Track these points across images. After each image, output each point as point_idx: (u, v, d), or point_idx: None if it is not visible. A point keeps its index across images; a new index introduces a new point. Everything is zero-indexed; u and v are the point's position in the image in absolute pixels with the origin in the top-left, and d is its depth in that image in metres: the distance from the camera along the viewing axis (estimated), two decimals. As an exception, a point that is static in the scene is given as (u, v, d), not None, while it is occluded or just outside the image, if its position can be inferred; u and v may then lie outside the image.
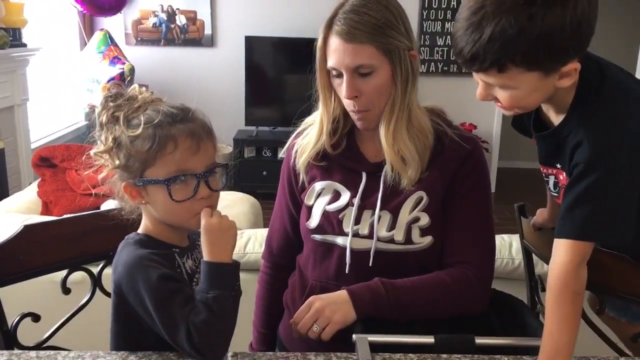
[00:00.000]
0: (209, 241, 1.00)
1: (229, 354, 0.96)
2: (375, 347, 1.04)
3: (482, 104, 5.11)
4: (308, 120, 1.34)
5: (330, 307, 1.11)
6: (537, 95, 1.03)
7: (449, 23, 5.04)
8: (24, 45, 3.56)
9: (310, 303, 1.13)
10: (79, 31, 4.77)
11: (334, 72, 1.20)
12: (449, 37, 5.06)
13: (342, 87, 1.19)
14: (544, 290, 1.48)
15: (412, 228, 1.22)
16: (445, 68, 5.12)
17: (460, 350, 1.05)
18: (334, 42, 1.17)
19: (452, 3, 5.03)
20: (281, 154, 1.39)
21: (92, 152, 1.07)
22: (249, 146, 4.81)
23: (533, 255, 1.52)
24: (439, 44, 5.07)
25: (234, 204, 2.73)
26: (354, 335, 1.06)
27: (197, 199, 1.04)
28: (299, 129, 1.35)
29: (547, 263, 1.44)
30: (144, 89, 1.10)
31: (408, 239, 1.22)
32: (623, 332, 1.39)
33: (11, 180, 3.56)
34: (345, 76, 1.18)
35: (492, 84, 1.03)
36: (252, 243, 1.97)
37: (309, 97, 1.30)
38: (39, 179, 2.75)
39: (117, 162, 1.05)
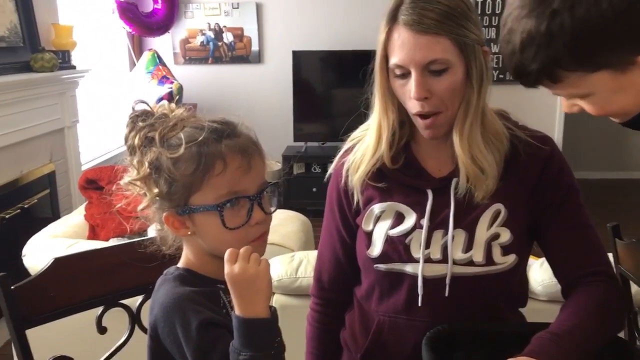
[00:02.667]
0: (235, 293, 0.84)
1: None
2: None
3: (539, 111, 4.87)
4: (356, 135, 1.19)
5: None
6: (624, 96, 0.85)
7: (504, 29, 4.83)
8: (73, 67, 3.57)
9: None
10: (128, 52, 4.80)
11: (398, 72, 1.04)
12: (504, 43, 4.86)
13: (406, 88, 1.03)
14: (645, 324, 1.28)
15: (492, 246, 1.06)
16: (501, 76, 4.89)
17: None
18: (402, 34, 1.01)
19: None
20: (328, 173, 1.23)
21: (123, 182, 0.94)
22: (298, 162, 4.72)
23: (631, 283, 1.31)
24: (493, 51, 4.86)
25: (284, 222, 2.63)
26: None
27: (251, 224, 0.91)
28: (346, 147, 1.20)
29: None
30: (173, 105, 0.97)
31: (489, 259, 1.05)
32: None
33: (62, 202, 3.55)
34: (414, 74, 1.01)
35: (566, 97, 0.89)
36: (304, 266, 1.85)
37: (357, 110, 1.16)
38: (86, 202, 2.70)
39: (157, 189, 0.92)
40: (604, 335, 1.01)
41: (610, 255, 1.31)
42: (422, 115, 1.05)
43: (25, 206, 3.13)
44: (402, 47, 1.01)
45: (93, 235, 2.53)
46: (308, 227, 2.76)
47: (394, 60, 1.03)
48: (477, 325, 1.07)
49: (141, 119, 0.93)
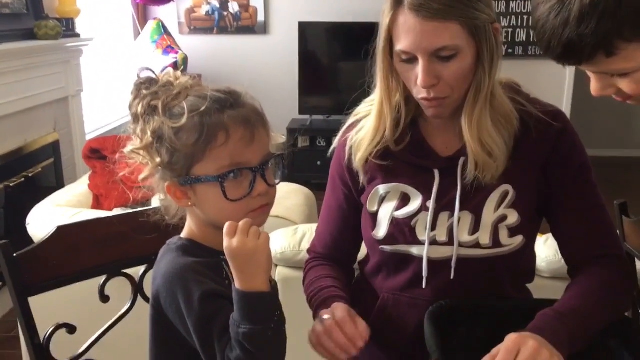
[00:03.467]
0: (234, 266, 0.83)
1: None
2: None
3: (549, 86, 4.81)
4: (360, 110, 1.16)
5: (547, 347, 0.86)
6: None
7: (514, 2, 4.76)
8: (78, 35, 3.54)
9: (518, 343, 0.86)
10: (132, 21, 4.75)
11: (404, 57, 0.99)
12: (513, 17, 4.79)
13: (412, 73, 0.99)
14: (650, 303, 1.27)
15: (499, 228, 1.04)
16: (510, 50, 4.86)
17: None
18: (408, 20, 0.96)
19: (517, -20, 4.73)
20: (332, 148, 1.20)
21: (126, 150, 0.93)
22: (303, 135, 4.69)
23: (637, 260, 1.30)
24: (503, 25, 4.79)
25: (287, 195, 2.63)
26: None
27: (253, 196, 0.90)
28: (349, 122, 1.17)
29: (656, 272, 1.24)
30: (179, 73, 0.95)
31: (496, 242, 1.04)
32: None
33: (66, 172, 3.55)
34: (421, 62, 0.97)
35: (606, 74, 0.82)
36: (307, 239, 1.84)
37: (362, 85, 1.12)
38: (90, 172, 2.69)
39: (159, 159, 0.90)
40: (608, 316, 1.00)
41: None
42: (427, 99, 1.01)
43: (30, 175, 3.13)
44: (409, 33, 0.96)
45: (97, 204, 2.52)
46: (312, 200, 2.76)
47: (399, 46, 0.98)
48: (479, 301, 1.07)
49: (145, 87, 0.92)
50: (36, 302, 1.09)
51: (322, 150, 4.64)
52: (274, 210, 0.94)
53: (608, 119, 5.60)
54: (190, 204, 0.93)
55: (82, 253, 1.14)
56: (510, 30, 4.82)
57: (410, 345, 1.09)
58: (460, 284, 1.06)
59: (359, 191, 1.15)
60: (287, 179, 4.01)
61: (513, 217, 1.04)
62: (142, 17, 4.82)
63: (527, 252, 1.11)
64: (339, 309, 0.98)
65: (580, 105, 5.09)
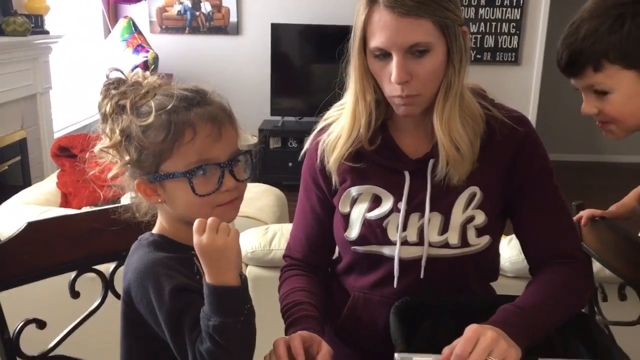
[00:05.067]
0: (205, 262, 0.84)
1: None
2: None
3: (516, 93, 4.93)
4: (330, 115, 1.18)
5: (505, 338, 0.90)
6: (637, 102, 1.05)
7: (483, 9, 4.86)
8: (47, 32, 3.49)
9: (477, 333, 0.89)
10: (103, 19, 4.70)
11: (378, 53, 1.02)
12: (482, 23, 4.89)
13: (386, 70, 1.02)
14: (605, 299, 1.32)
15: (467, 228, 1.08)
16: (479, 56, 4.94)
17: (521, 374, 0.90)
18: (382, 17, 0.99)
19: (486, -11, 4.83)
20: (303, 151, 1.22)
21: (96, 149, 0.94)
22: (275, 136, 4.71)
23: (593, 260, 1.35)
24: (472, 30, 4.88)
25: (259, 196, 2.64)
26: (396, 355, 0.92)
27: (222, 192, 0.91)
28: (319, 126, 1.19)
29: (611, 270, 1.30)
30: (147, 73, 0.96)
31: (464, 241, 1.07)
32: None
33: (34, 170, 3.50)
34: (395, 57, 0.99)
35: (591, 94, 1.09)
36: (277, 239, 1.86)
37: (334, 87, 1.14)
38: (59, 170, 2.66)
39: (128, 157, 0.92)
40: (566, 313, 1.04)
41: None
42: (400, 96, 1.03)
43: (-4, 173, 3.09)
44: (384, 29, 0.99)
45: (65, 203, 2.50)
46: (283, 201, 2.77)
47: (374, 42, 1.01)
48: (444, 297, 1.11)
49: (114, 87, 0.93)
50: (6, 298, 1.09)
51: (293, 151, 4.66)
52: (245, 211, 0.95)
53: (572, 125, 5.74)
54: (159, 200, 0.95)
55: (52, 249, 1.14)
56: (479, 36, 4.91)
57: (380, 343, 1.11)
58: (429, 283, 1.09)
59: (332, 193, 1.17)
60: (258, 179, 4.02)
61: (480, 218, 1.08)
62: (113, 15, 4.78)
63: (493, 252, 1.15)
64: (295, 339, 0.96)
65: (545, 111, 5.23)
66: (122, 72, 0.97)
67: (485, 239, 1.09)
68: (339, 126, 1.13)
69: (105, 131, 0.94)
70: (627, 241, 1.23)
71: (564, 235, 1.11)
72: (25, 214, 2.07)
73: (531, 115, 5.02)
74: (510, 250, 1.73)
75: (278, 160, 4.64)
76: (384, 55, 1.01)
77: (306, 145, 1.20)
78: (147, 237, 0.99)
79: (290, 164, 4.60)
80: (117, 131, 0.92)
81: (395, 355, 0.92)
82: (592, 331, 1.05)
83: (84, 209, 2.41)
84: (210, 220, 0.85)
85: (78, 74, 4.32)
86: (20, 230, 1.11)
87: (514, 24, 4.88)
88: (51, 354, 1.14)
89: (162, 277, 0.88)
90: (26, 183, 3.35)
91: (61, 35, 3.63)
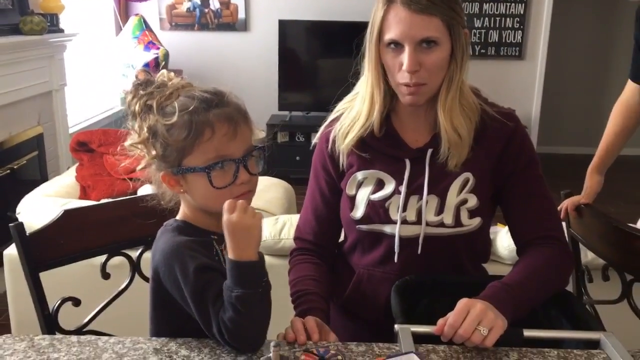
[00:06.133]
0: (231, 238, 0.95)
1: (272, 343, 0.93)
2: (417, 338, 1.01)
3: (519, 87, 5.00)
4: (341, 107, 1.30)
5: (492, 310, 1.01)
6: None
7: (487, 4, 4.92)
8: (62, 30, 3.59)
9: (468, 305, 1.01)
10: (114, 16, 4.80)
11: (392, 45, 1.15)
12: (486, 18, 4.95)
13: (397, 60, 1.15)
14: (590, 281, 1.43)
15: (460, 210, 1.20)
16: (483, 51, 5.01)
17: (507, 343, 1.01)
18: (400, 12, 1.12)
19: (491, -16, 4.89)
20: (313, 143, 1.34)
21: (126, 144, 1.05)
22: (282, 131, 4.79)
23: (580, 245, 1.46)
24: (476, 25, 4.95)
25: (267, 189, 2.72)
26: (396, 326, 1.03)
27: (237, 184, 1.02)
28: (332, 117, 1.31)
29: (596, 254, 1.41)
30: (172, 74, 1.07)
31: (457, 222, 1.19)
32: None
33: (50, 164, 3.62)
34: (407, 49, 1.13)
35: None
36: (287, 229, 1.95)
37: (342, 82, 1.26)
38: (77, 164, 2.78)
39: (154, 152, 1.03)
40: (549, 289, 1.16)
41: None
42: (409, 84, 1.16)
43: (14, 167, 3.19)
44: (399, 23, 1.12)
45: (84, 195, 2.61)
46: (291, 194, 2.86)
47: (389, 35, 1.13)
48: (440, 277, 1.22)
49: (142, 87, 1.03)
50: (45, 278, 1.20)
51: (301, 145, 4.75)
52: (254, 203, 1.05)
53: (574, 118, 5.81)
54: (182, 191, 1.05)
55: (85, 234, 1.26)
56: (483, 31, 4.98)
57: (382, 316, 1.23)
58: (425, 259, 1.21)
59: (339, 177, 1.29)
60: (266, 173, 4.11)
61: (473, 201, 1.20)
62: (124, 13, 4.88)
63: (484, 234, 1.27)
64: (311, 320, 1.09)
65: (548, 105, 5.30)
66: (150, 72, 1.07)
67: (477, 221, 1.20)
68: (352, 114, 1.25)
69: (134, 128, 1.04)
70: (609, 226, 1.33)
71: (547, 219, 1.22)
72: (47, 205, 2.18)
73: (534, 108, 5.09)
74: (508, 239, 1.81)
75: (286, 154, 4.71)
76: (397, 46, 1.14)
77: (317, 135, 1.32)
78: (171, 223, 1.09)
79: (297, 158, 4.69)
80: (145, 128, 1.02)
81: (395, 326, 1.03)
82: (574, 306, 1.16)
83: (102, 201, 2.52)
84: (240, 202, 0.96)
85: (91, 71, 4.43)
86: (57, 217, 1.22)
87: (518, 19, 4.95)
88: (85, 329, 1.26)
89: (187, 258, 0.98)
90: (43, 177, 3.46)
91: (75, 34, 3.74)
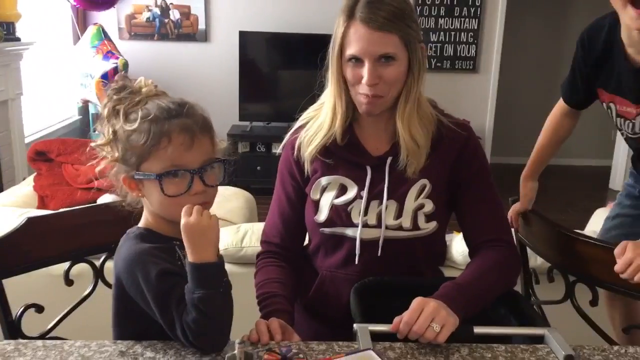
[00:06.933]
0: (189, 241, 0.98)
1: (237, 340, 0.97)
2: (375, 337, 1.06)
3: (475, 99, 5.16)
4: (306, 115, 1.35)
5: (445, 308, 1.07)
6: None
7: (442, 19, 5.07)
8: (18, 39, 3.55)
9: (421, 304, 1.07)
10: (72, 26, 4.75)
11: (352, 60, 1.21)
12: (442, 33, 5.09)
13: (357, 74, 1.20)
14: (537, 282, 1.51)
15: (418, 214, 1.26)
16: (439, 64, 5.14)
17: (459, 339, 1.07)
18: (359, 30, 1.18)
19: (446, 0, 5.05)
20: (279, 149, 1.39)
21: (93, 144, 1.08)
22: (243, 141, 4.81)
23: (527, 248, 1.54)
24: (432, 39, 5.10)
25: (228, 198, 2.74)
26: (355, 325, 1.08)
27: (191, 194, 1.04)
28: (297, 125, 1.36)
29: (542, 257, 1.49)
30: (150, 81, 1.10)
31: (415, 225, 1.26)
32: None
33: (5, 174, 3.55)
34: (367, 64, 1.19)
35: None
36: (248, 237, 1.98)
37: (302, 93, 1.31)
38: (35, 174, 2.74)
39: (117, 154, 1.06)
40: (498, 288, 1.23)
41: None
42: (367, 95, 1.22)
43: (-32, 177, 3.13)
44: (359, 40, 1.18)
45: (42, 205, 2.58)
46: (252, 203, 2.88)
47: (350, 51, 1.20)
48: (397, 279, 1.27)
49: (115, 92, 1.06)
50: (8, 285, 1.20)
51: (261, 155, 4.78)
52: (216, 212, 1.06)
53: (526, 129, 5.99)
54: (140, 195, 1.08)
55: (49, 241, 1.27)
56: (439, 45, 5.13)
57: (344, 315, 1.26)
58: (385, 261, 1.27)
59: (304, 182, 1.34)
60: (227, 183, 4.12)
61: (429, 206, 1.27)
62: (82, 22, 4.83)
63: (439, 238, 1.33)
64: (274, 322, 1.13)
65: (501, 116, 5.48)
66: (128, 78, 1.10)
67: (433, 224, 1.27)
68: (316, 123, 1.31)
69: (103, 130, 1.07)
70: (554, 231, 1.42)
71: (497, 223, 1.30)
72: (4, 215, 2.15)
73: (488, 119, 5.26)
74: (463, 245, 1.88)
75: (247, 164, 4.72)
76: (357, 61, 1.21)
77: (283, 142, 1.38)
78: (134, 230, 1.11)
79: (258, 168, 4.71)
80: (110, 131, 1.05)
81: (354, 325, 1.08)
82: (522, 305, 1.23)
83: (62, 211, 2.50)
84: (196, 206, 1.00)
85: (49, 80, 4.37)
86: (20, 224, 1.23)
87: (472, 34, 5.11)
88: (49, 336, 1.26)
89: (149, 264, 1.00)
90: (-2, 187, 3.40)
91: (32, 42, 3.69)
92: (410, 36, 1.20)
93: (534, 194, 1.67)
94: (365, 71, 1.19)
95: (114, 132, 1.05)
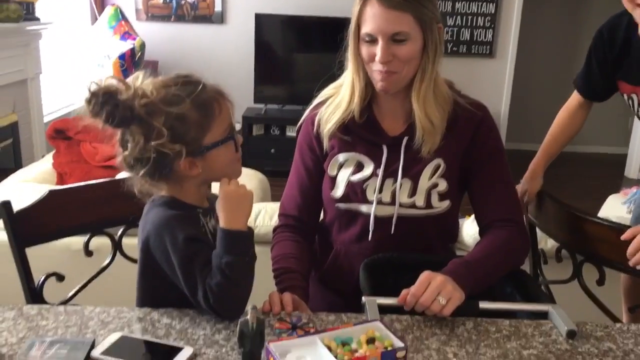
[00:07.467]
0: (225, 208, 1.03)
1: (249, 306, 1.00)
2: (383, 310, 1.10)
3: (490, 84, 5.13)
4: (326, 92, 1.38)
5: (451, 283, 1.10)
6: None
7: (459, 3, 5.03)
8: (37, 19, 3.59)
9: (429, 278, 1.10)
10: (90, 6, 4.79)
11: (367, 38, 1.23)
12: (459, 17, 5.06)
13: (372, 51, 1.23)
14: (545, 262, 1.54)
15: (431, 193, 1.29)
16: (455, 48, 5.11)
17: (464, 313, 1.10)
18: (373, 8, 1.21)
19: (463, -17, 5.01)
20: (299, 124, 1.42)
21: (153, 143, 1.03)
22: (258, 124, 4.84)
23: (537, 229, 1.56)
24: (449, 24, 5.06)
25: (242, 180, 2.70)
26: (363, 298, 1.12)
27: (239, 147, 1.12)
28: (316, 101, 1.39)
29: (551, 237, 1.51)
30: (139, 74, 1.08)
31: (428, 204, 1.29)
32: None
33: (25, 152, 3.62)
34: (380, 42, 1.22)
35: None
36: (262, 216, 2.02)
37: (317, 76, 1.33)
38: (54, 151, 2.80)
39: (177, 145, 1.04)
40: (506, 267, 1.26)
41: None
42: (381, 71, 1.24)
43: (-11, 154, 3.20)
44: (373, 19, 1.21)
45: (61, 182, 2.64)
46: (266, 185, 2.92)
47: (365, 29, 1.23)
48: (406, 255, 1.30)
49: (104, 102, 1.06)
50: (31, 254, 1.25)
51: (276, 138, 4.81)
52: None
53: (542, 115, 5.96)
54: (199, 171, 1.08)
55: (70, 213, 1.31)
56: (455, 29, 5.09)
57: (356, 288, 1.29)
58: (398, 238, 1.30)
59: (323, 158, 1.37)
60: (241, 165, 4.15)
61: (443, 185, 1.29)
62: (100, 2, 4.87)
63: (452, 217, 1.36)
64: (287, 295, 1.16)
65: (517, 102, 5.45)
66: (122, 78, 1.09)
67: (446, 203, 1.30)
68: (336, 100, 1.34)
69: (136, 133, 1.04)
70: (563, 211, 1.44)
71: (508, 203, 1.32)
72: (25, 190, 2.20)
73: (504, 105, 5.23)
74: (473, 227, 1.91)
75: (261, 146, 4.76)
76: (372, 39, 1.23)
77: (303, 116, 1.41)
78: (158, 198, 1.14)
79: (272, 151, 4.74)
80: (161, 127, 1.03)
81: (363, 298, 1.12)
82: (528, 284, 1.26)
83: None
84: (234, 179, 1.07)
85: (67, 60, 4.42)
86: (42, 196, 1.27)
87: (489, 18, 5.06)
88: (69, 304, 1.31)
89: (176, 229, 1.05)
90: (17, 165, 3.46)
91: (51, 22, 3.74)
92: (425, 15, 1.22)
93: (537, 188, 1.63)
94: (378, 49, 1.21)
95: (164, 125, 1.03)
